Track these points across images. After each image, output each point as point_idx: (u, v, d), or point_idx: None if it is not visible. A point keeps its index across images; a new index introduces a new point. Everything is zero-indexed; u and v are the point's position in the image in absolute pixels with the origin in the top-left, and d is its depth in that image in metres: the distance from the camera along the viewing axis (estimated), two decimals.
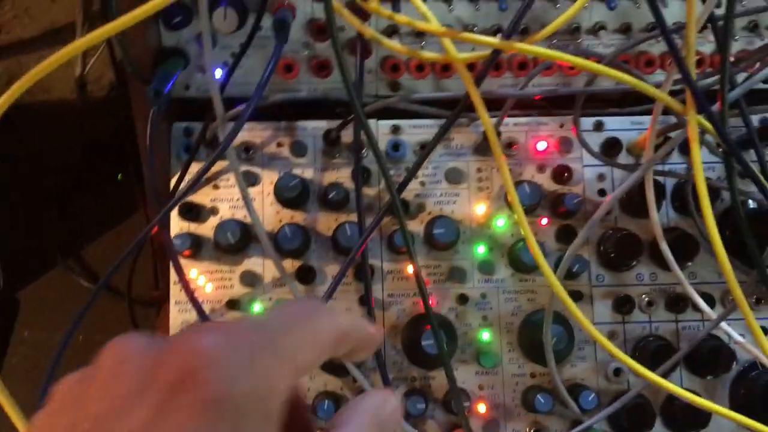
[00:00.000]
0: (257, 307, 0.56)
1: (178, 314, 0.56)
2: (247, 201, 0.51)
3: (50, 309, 0.80)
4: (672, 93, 0.49)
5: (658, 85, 0.49)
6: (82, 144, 0.92)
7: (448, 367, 0.51)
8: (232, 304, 0.56)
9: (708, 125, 0.45)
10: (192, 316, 0.55)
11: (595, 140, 0.59)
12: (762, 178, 0.48)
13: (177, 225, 0.56)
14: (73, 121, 0.92)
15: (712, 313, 0.54)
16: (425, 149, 0.57)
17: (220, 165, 0.57)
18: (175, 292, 0.56)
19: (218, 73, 0.56)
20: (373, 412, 0.26)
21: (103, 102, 0.93)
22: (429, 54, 0.49)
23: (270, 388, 0.22)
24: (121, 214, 0.84)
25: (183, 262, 0.55)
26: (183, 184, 0.54)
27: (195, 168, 0.55)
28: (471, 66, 0.56)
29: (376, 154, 0.50)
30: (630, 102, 0.62)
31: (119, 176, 0.80)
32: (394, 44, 0.49)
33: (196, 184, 0.49)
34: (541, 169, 0.59)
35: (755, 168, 0.49)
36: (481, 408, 0.56)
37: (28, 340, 0.81)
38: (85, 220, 0.88)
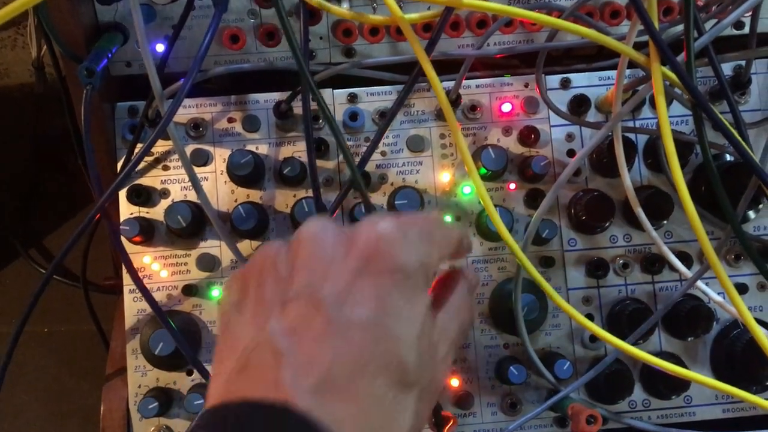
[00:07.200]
0: (215, 293, 0.54)
1: (133, 302, 0.54)
2: (194, 181, 0.49)
3: (14, 301, 0.78)
4: (640, 46, 0.46)
5: (622, 38, 0.46)
6: (44, 131, 0.89)
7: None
8: (189, 289, 0.54)
9: (672, 75, 0.43)
10: (146, 304, 0.53)
11: (563, 98, 0.56)
12: (732, 129, 0.45)
13: (126, 210, 0.54)
14: (33, 108, 0.89)
15: (688, 273, 0.52)
16: (385, 118, 0.54)
17: (169, 144, 0.55)
18: (128, 279, 0.53)
19: (159, 47, 0.53)
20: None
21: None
22: (374, 17, 0.46)
23: (428, 263, 0.32)
24: (84, 203, 0.81)
25: (135, 248, 0.53)
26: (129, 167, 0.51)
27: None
28: (428, 28, 0.54)
29: (331, 126, 0.47)
30: (602, 57, 0.60)
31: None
32: (338, 9, 0.46)
33: (136, 166, 0.46)
34: (506, 131, 0.56)
35: (728, 119, 0.46)
36: (455, 382, 0.54)
37: None
38: (46, 210, 0.85)
